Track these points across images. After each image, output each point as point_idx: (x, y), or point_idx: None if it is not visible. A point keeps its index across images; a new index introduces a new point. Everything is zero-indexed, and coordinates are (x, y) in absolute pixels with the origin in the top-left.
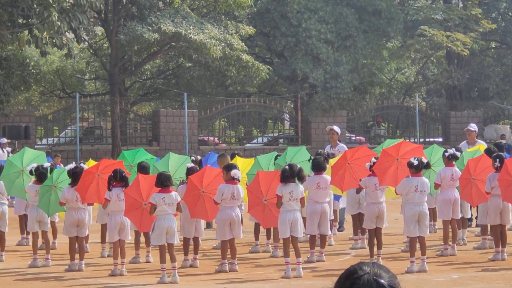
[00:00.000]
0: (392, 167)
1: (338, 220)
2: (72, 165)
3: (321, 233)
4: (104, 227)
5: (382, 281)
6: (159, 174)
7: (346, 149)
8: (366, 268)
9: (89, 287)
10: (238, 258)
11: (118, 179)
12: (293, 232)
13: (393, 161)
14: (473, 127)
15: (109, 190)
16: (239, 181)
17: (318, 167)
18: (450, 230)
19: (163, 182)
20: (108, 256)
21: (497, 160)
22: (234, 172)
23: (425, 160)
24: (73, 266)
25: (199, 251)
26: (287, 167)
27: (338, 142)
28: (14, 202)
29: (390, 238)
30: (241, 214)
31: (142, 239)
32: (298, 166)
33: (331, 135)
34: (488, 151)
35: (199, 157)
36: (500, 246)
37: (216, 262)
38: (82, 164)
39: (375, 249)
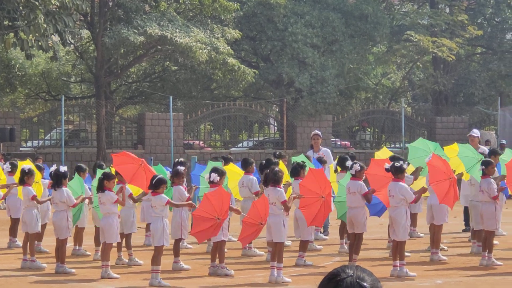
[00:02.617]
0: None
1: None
2: (54, 167)
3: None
4: (97, 230)
5: (365, 284)
6: (154, 177)
7: (330, 153)
8: (349, 271)
9: None
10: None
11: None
12: (272, 236)
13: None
14: (476, 132)
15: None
16: (216, 184)
17: (296, 172)
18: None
19: (158, 185)
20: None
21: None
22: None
23: (398, 164)
24: (58, 268)
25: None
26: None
27: (320, 146)
28: (6, 204)
29: (375, 242)
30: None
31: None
32: (276, 169)
33: (315, 140)
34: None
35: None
36: (487, 251)
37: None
38: (62, 167)
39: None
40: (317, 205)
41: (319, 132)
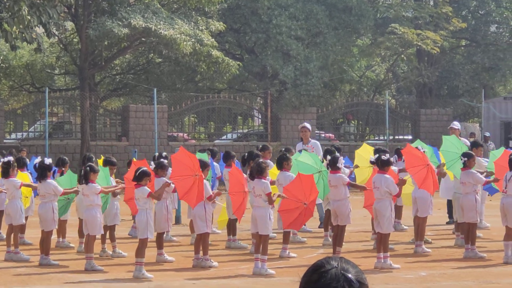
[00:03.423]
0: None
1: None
2: (38, 159)
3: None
4: (80, 222)
5: (350, 275)
6: (138, 169)
7: (319, 145)
8: (333, 262)
9: (50, 281)
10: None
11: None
12: (258, 228)
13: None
14: (457, 125)
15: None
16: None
17: (280, 165)
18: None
19: (141, 177)
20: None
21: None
22: None
23: (385, 158)
24: (42, 260)
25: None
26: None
27: (309, 139)
28: None
29: (359, 235)
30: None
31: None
32: (259, 161)
33: (303, 132)
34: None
35: (164, 153)
36: (470, 244)
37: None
38: (46, 159)
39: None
40: (297, 211)
41: (307, 125)
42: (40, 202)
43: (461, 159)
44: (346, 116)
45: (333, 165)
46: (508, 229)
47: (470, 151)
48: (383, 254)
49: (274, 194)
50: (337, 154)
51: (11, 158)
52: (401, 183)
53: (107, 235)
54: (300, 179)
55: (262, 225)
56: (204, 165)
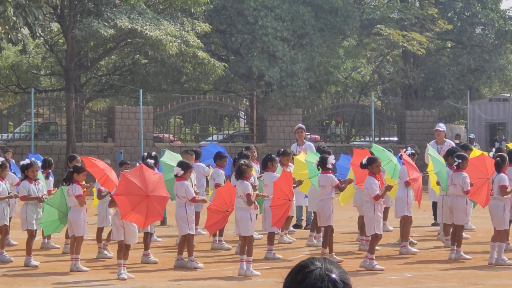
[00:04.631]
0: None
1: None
2: (25, 161)
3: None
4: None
5: (334, 276)
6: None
7: (313, 147)
8: (317, 263)
9: (35, 283)
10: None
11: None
12: (239, 230)
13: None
14: (442, 127)
15: (68, 185)
16: (181, 178)
17: (265, 165)
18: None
19: None
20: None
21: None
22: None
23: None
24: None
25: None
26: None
27: (304, 140)
28: None
29: (345, 236)
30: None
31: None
32: (240, 162)
33: (299, 133)
34: (450, 152)
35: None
36: (456, 245)
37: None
38: (33, 159)
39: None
40: (284, 207)
41: (303, 126)
42: (22, 203)
43: (455, 161)
44: (334, 118)
45: (323, 166)
46: (496, 230)
47: (463, 153)
48: (369, 255)
49: (255, 193)
50: (326, 155)
51: (2, 159)
52: (386, 188)
53: (103, 236)
54: (285, 175)
55: (243, 226)
56: (187, 167)
